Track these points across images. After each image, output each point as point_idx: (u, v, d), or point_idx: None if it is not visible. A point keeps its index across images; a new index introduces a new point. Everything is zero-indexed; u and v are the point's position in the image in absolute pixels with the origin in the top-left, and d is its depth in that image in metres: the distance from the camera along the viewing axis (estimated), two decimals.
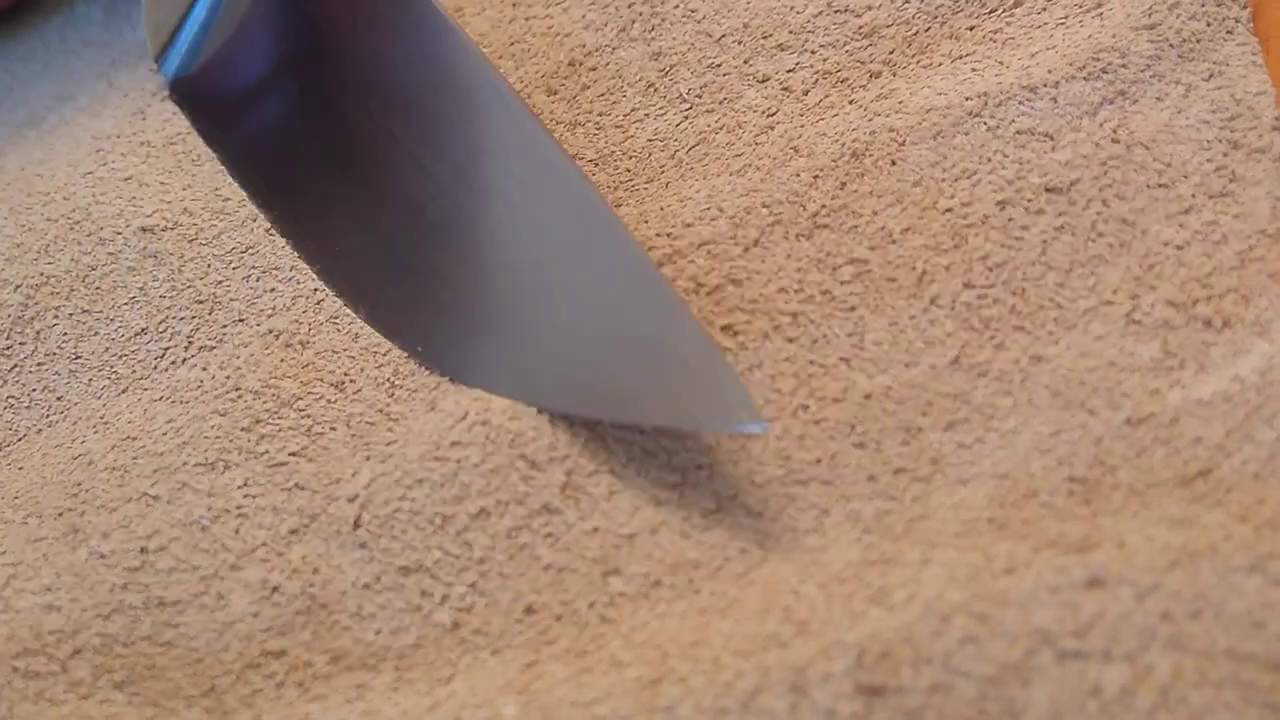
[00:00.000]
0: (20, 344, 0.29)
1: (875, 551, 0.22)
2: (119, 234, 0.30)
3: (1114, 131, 0.27)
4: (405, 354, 0.27)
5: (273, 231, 0.30)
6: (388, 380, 0.27)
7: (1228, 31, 0.28)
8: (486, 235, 0.28)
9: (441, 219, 0.28)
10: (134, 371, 0.28)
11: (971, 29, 0.30)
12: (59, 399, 0.28)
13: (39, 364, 0.29)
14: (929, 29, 0.30)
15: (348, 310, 0.28)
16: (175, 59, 0.33)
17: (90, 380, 0.29)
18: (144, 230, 0.30)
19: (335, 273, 0.29)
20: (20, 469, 0.27)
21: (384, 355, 0.27)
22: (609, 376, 0.24)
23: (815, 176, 0.28)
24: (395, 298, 0.28)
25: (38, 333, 0.29)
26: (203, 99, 0.32)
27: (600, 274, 0.26)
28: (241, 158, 0.31)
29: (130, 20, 0.36)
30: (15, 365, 0.29)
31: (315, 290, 0.29)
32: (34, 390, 0.29)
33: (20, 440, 0.28)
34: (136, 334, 0.29)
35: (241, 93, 0.32)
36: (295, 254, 0.29)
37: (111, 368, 0.29)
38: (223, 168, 0.31)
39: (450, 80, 0.30)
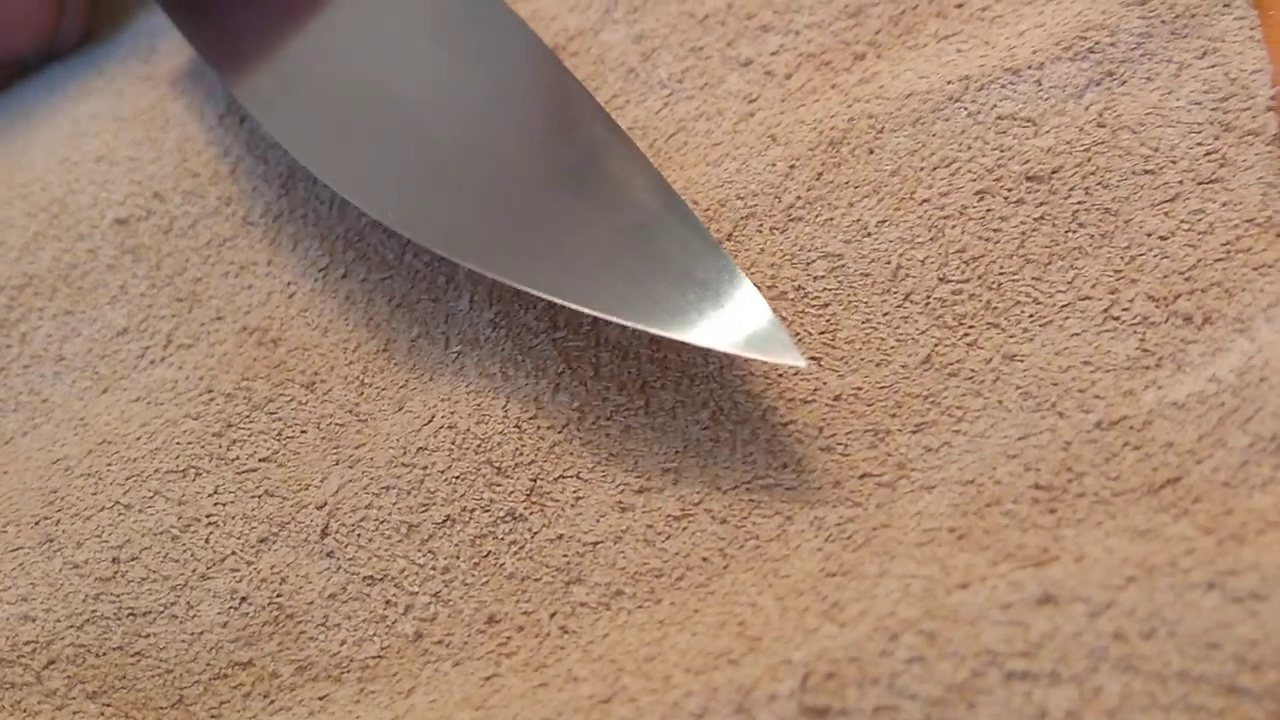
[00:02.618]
0: (6, 346, 0.30)
1: (834, 562, 0.21)
2: (95, 228, 0.30)
3: (1100, 115, 0.26)
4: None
5: (250, 221, 0.30)
6: (357, 378, 0.27)
7: (1225, 4, 0.27)
8: (484, 125, 0.27)
9: (434, 112, 0.28)
10: (115, 371, 0.29)
11: (960, 6, 0.29)
12: (44, 401, 0.29)
13: (25, 366, 0.29)
14: (916, 6, 0.29)
15: (317, 303, 0.28)
16: None
17: (74, 381, 0.29)
18: (119, 223, 0.30)
19: (312, 151, 0.28)
20: (4, 473, 0.27)
21: (354, 351, 0.27)
22: (634, 287, 0.23)
23: (791, 166, 0.27)
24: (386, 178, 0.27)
25: (23, 335, 0.30)
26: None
27: (618, 191, 0.25)
28: (216, 48, 0.31)
29: (126, 14, 0.37)
30: (2, 368, 0.29)
31: (289, 284, 0.29)
32: (20, 393, 0.29)
33: (6, 444, 0.28)
34: (118, 333, 0.29)
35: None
36: (266, 133, 0.29)
37: (94, 368, 0.29)
38: (189, 135, 0.31)
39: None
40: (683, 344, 0.25)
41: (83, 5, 0.36)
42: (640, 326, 0.23)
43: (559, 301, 0.24)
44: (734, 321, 0.23)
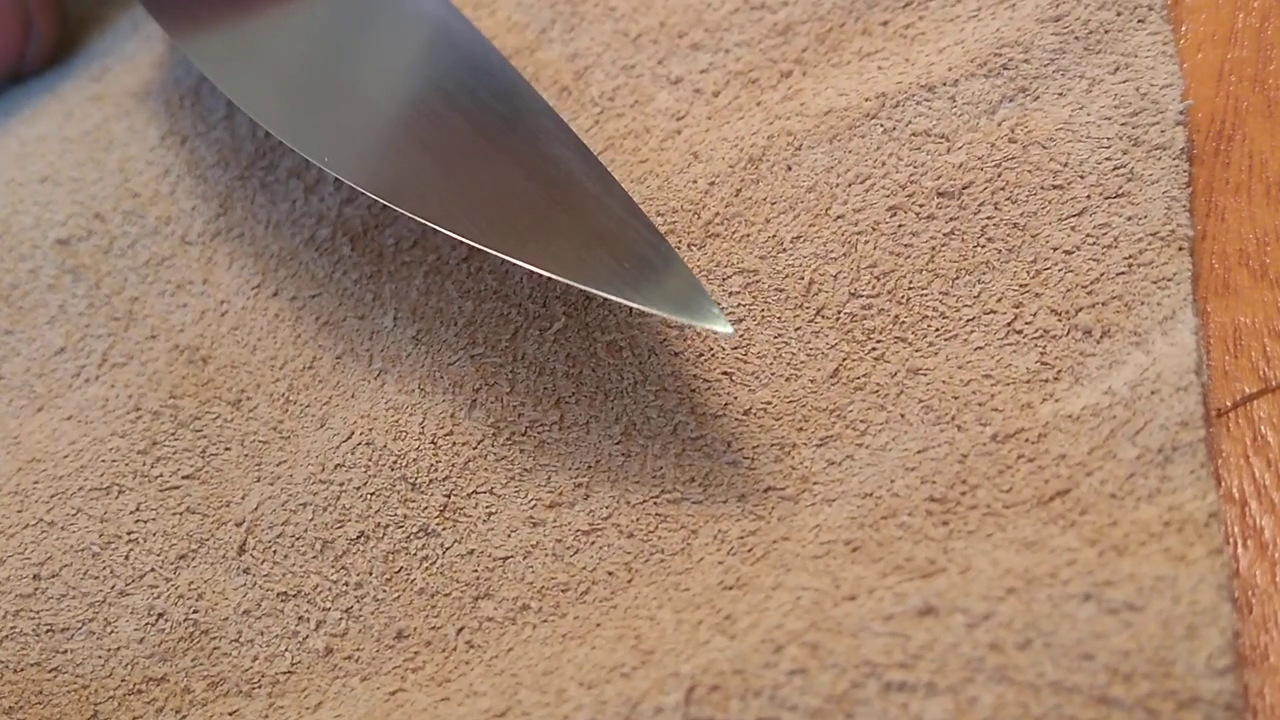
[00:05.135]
0: None
1: (733, 575, 0.22)
2: (37, 248, 0.31)
3: (1011, 131, 0.26)
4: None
5: (188, 240, 0.30)
6: (283, 395, 0.27)
7: (1139, 20, 0.27)
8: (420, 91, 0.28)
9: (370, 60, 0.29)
10: (50, 390, 0.29)
11: (885, 24, 0.29)
12: None
13: None
14: (844, 24, 0.30)
15: (248, 321, 0.28)
16: None
17: (10, 400, 0.29)
18: (60, 243, 0.31)
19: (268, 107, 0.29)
20: None
21: (281, 368, 0.28)
22: (574, 253, 0.24)
23: (711, 183, 0.27)
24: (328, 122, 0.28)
25: None
26: None
27: (561, 173, 0.26)
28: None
29: (83, 37, 0.37)
30: None
31: (222, 303, 0.29)
32: None
33: None
34: (56, 353, 0.30)
35: None
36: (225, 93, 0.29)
37: (31, 387, 0.29)
38: (131, 156, 0.32)
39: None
40: (596, 362, 0.25)
41: (48, 30, 0.37)
42: (579, 285, 0.23)
43: (503, 256, 0.24)
44: (667, 290, 0.23)
